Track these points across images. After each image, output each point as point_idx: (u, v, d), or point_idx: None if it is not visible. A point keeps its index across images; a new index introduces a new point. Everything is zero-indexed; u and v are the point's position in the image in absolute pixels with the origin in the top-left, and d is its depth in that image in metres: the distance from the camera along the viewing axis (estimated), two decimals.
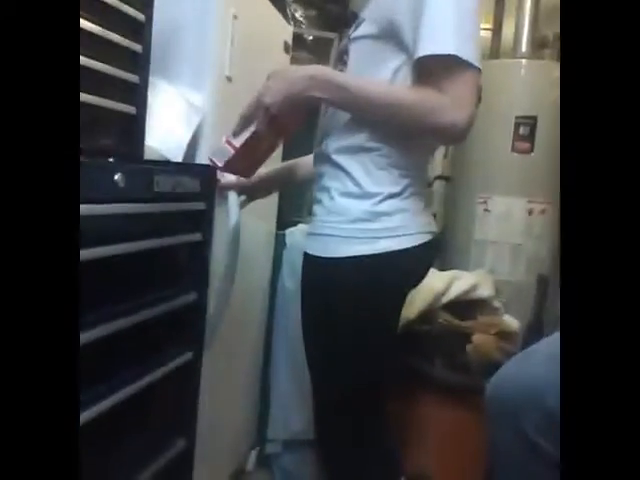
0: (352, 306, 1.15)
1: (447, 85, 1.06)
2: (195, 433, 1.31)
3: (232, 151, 1.15)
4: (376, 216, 1.14)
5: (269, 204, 2.08)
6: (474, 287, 2.38)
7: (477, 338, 2.34)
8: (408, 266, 1.19)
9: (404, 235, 1.16)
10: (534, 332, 2.45)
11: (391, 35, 1.12)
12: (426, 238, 1.20)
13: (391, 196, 1.15)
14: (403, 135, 1.15)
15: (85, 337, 0.88)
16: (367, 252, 1.13)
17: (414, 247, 1.16)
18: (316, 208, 1.22)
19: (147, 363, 1.11)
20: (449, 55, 1.05)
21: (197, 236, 1.20)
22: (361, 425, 1.25)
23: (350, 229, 1.14)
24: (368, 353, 1.20)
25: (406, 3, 1.09)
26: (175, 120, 1.34)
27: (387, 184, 1.15)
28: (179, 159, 1.31)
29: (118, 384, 1.01)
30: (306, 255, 1.21)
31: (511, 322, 2.60)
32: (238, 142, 1.14)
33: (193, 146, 1.37)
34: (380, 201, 1.14)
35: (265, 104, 1.11)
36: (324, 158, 1.22)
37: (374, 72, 1.15)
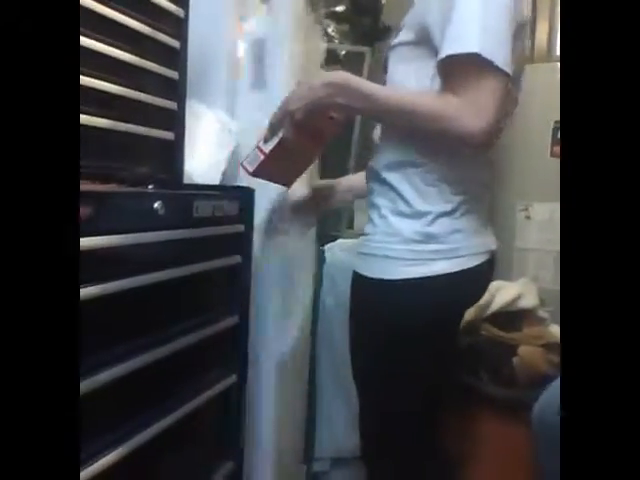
0: (406, 329, 1.11)
1: (467, 88, 1.00)
2: (242, 455, 1.30)
3: (262, 157, 1.14)
4: (429, 237, 1.10)
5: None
6: (518, 297, 2.32)
7: (523, 350, 2.28)
8: (466, 288, 1.15)
9: (460, 257, 1.11)
10: None
11: (425, 40, 1.08)
12: (484, 258, 1.15)
13: (443, 215, 1.11)
14: (448, 148, 1.10)
15: (129, 366, 0.88)
16: (421, 274, 1.09)
17: (470, 269, 1.12)
18: (367, 226, 1.19)
19: (192, 388, 1.12)
20: (471, 54, 0.99)
21: (237, 259, 1.20)
22: (410, 445, 1.23)
23: (402, 250, 1.10)
24: (423, 376, 1.17)
25: (437, 6, 1.05)
26: (212, 145, 1.36)
27: (437, 202, 1.11)
28: (216, 183, 1.32)
29: (163, 411, 1.02)
30: (356, 274, 1.17)
31: (558, 332, 2.54)
32: (267, 148, 1.14)
33: (230, 169, 1.38)
34: (432, 221, 1.10)
35: (289, 110, 1.10)
36: (374, 174, 1.18)
37: (412, 79, 1.12)
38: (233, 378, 1.23)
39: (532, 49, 3.28)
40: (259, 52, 1.54)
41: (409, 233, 1.10)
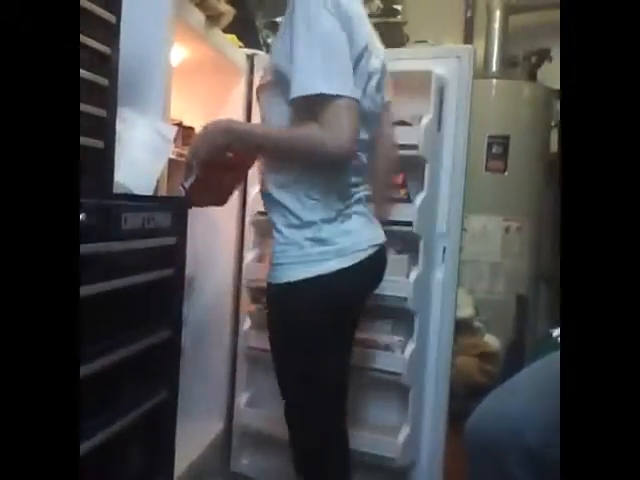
0: (310, 322, 1.28)
1: (324, 117, 1.18)
2: (173, 472, 1.27)
3: (184, 192, 1.29)
4: (318, 241, 1.27)
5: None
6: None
7: (460, 360, 2.33)
8: (357, 279, 1.32)
9: (349, 254, 1.29)
10: (515, 353, 2.45)
11: (280, 81, 1.26)
12: (372, 251, 1.33)
13: (327, 221, 1.29)
14: (321, 167, 1.30)
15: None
16: (315, 273, 1.25)
17: (359, 262, 1.30)
18: (272, 242, 1.34)
19: (121, 405, 1.08)
20: (316, 94, 1.17)
21: (169, 272, 1.17)
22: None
23: (298, 255, 1.27)
24: (331, 360, 1.34)
25: (282, 52, 1.24)
26: (145, 153, 1.32)
27: (321, 212, 1.29)
28: (149, 193, 1.28)
29: (92, 428, 0.98)
30: (268, 284, 1.32)
31: (492, 342, 2.60)
32: (187, 184, 1.29)
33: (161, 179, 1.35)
34: (319, 228, 1.28)
35: (195, 159, 1.29)
36: (266, 195, 1.36)
37: (276, 113, 1.30)
38: (164, 394, 1.19)
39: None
40: None
41: (301, 240, 1.27)
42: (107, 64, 1.18)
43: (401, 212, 1.76)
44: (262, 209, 1.91)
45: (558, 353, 1.32)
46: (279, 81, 1.27)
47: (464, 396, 2.09)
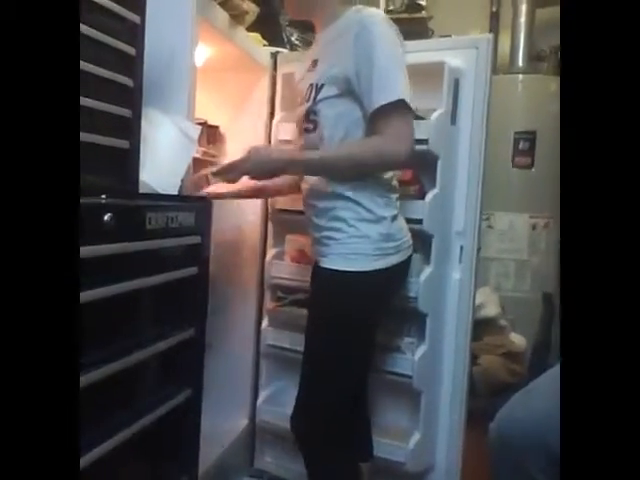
0: (372, 310, 1.48)
1: (392, 126, 1.35)
2: (197, 470, 1.28)
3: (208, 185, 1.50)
4: (388, 236, 1.44)
5: None
6: (479, 307, 2.35)
7: (484, 360, 2.30)
8: (402, 274, 1.55)
9: (404, 249, 1.49)
10: (541, 352, 2.42)
11: (349, 92, 1.40)
12: (412, 250, 1.55)
13: (394, 218, 1.47)
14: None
15: (82, 380, 0.85)
16: (384, 265, 1.43)
17: (408, 257, 1.52)
18: (333, 234, 1.45)
19: (145, 403, 1.09)
20: (398, 100, 1.34)
21: (192, 270, 1.18)
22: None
23: (371, 248, 1.41)
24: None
25: (358, 63, 1.36)
26: (170, 153, 1.33)
27: (390, 209, 1.47)
28: (174, 192, 1.29)
29: (117, 426, 0.99)
30: (329, 271, 1.44)
31: (518, 341, 2.57)
32: (213, 181, 1.48)
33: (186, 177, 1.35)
34: (389, 223, 1.45)
35: (243, 171, 1.45)
36: (330, 194, 1.46)
37: (340, 125, 1.43)
38: (188, 392, 1.20)
39: (494, 61, 3.34)
40: None
41: (375, 234, 1.43)
42: (132, 64, 1.19)
43: (411, 209, 1.72)
44: (282, 207, 1.94)
45: None
46: (346, 93, 1.40)
47: (489, 395, 2.07)
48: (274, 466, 2.07)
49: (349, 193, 1.43)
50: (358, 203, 1.43)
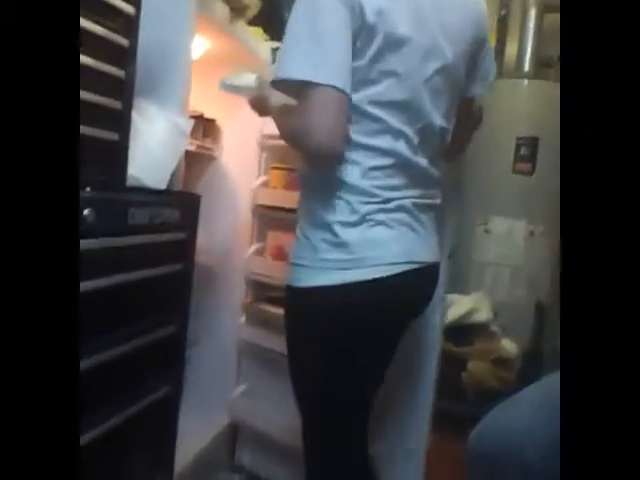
0: (324, 333, 1.15)
1: (305, 107, 1.07)
2: (173, 467, 1.27)
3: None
4: (337, 246, 1.13)
5: None
6: (471, 312, 2.34)
7: (472, 365, 2.30)
8: (381, 296, 1.15)
9: (373, 266, 1.13)
10: (532, 361, 2.41)
11: None
12: (405, 268, 1.15)
13: (348, 225, 1.13)
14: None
15: None
16: (332, 282, 1.12)
17: (387, 277, 1.13)
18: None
19: (124, 398, 1.09)
20: (297, 80, 1.07)
21: (177, 267, 1.17)
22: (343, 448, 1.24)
23: (313, 259, 1.14)
24: (337, 383, 1.19)
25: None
26: (161, 147, 1.32)
27: (346, 213, 1.13)
28: (163, 187, 1.28)
29: (97, 420, 0.99)
30: (286, 286, 1.21)
31: (509, 347, 2.56)
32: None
33: (177, 172, 1.34)
34: (338, 231, 1.13)
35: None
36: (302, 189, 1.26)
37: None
38: (167, 389, 1.20)
39: (501, 65, 3.32)
40: None
41: (317, 242, 1.14)
42: (125, 56, 1.18)
43: None
44: (264, 202, 1.92)
45: None
46: None
47: (477, 402, 2.06)
48: (253, 462, 2.06)
49: (302, 189, 1.25)
50: (305, 201, 1.21)
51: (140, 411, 1.11)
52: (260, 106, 1.40)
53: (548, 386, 1.10)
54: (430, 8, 1.16)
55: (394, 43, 1.11)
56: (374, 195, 1.14)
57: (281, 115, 1.23)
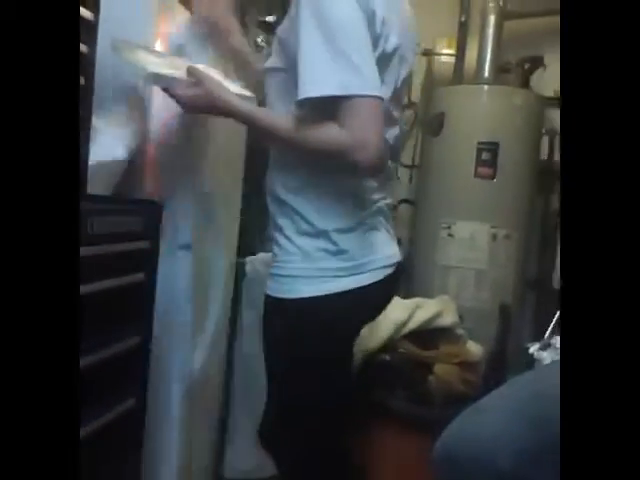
0: (318, 341, 1.15)
1: (345, 120, 1.02)
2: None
3: None
4: (335, 254, 1.13)
5: (229, 230, 2.03)
6: (436, 315, 2.34)
7: (439, 368, 2.31)
8: (372, 301, 1.21)
9: (366, 272, 1.15)
10: (497, 363, 2.44)
11: (292, 68, 1.08)
12: (388, 271, 1.20)
13: (344, 231, 1.14)
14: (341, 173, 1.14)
15: None
16: (328, 291, 1.12)
17: (376, 282, 1.17)
18: (274, 248, 1.21)
19: (89, 411, 1.06)
20: (327, 96, 1.02)
21: (139, 277, 1.15)
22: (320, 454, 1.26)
23: (309, 268, 1.13)
24: (334, 390, 1.21)
25: (293, 39, 1.07)
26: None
27: (337, 220, 1.14)
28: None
29: None
30: (268, 297, 1.20)
31: (474, 350, 2.58)
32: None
33: (135, 182, 1.31)
34: (334, 238, 1.13)
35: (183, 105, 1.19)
36: (274, 197, 1.22)
37: (282, 105, 1.15)
38: (131, 402, 1.17)
39: (461, 71, 3.37)
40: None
41: (313, 251, 1.13)
42: (84, 63, 1.16)
43: None
44: None
45: (532, 372, 1.30)
46: (290, 68, 1.09)
47: (444, 405, 2.07)
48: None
49: (285, 197, 1.17)
50: (295, 210, 1.15)
51: (103, 426, 1.09)
52: (208, 105, 1.18)
53: (512, 390, 1.10)
54: (405, 16, 1.18)
55: (388, 53, 1.12)
56: (365, 199, 1.17)
57: (282, 125, 1.11)
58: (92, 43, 1.17)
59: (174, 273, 1.39)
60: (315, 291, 1.12)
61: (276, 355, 1.22)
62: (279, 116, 1.14)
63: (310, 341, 1.15)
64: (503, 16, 3.27)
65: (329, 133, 1.05)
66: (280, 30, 1.18)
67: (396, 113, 1.23)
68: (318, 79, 1.02)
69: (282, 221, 1.18)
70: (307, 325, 1.14)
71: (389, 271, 1.20)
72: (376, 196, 1.20)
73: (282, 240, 1.17)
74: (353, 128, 1.02)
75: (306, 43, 1.02)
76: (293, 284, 1.14)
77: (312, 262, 1.13)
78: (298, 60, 1.03)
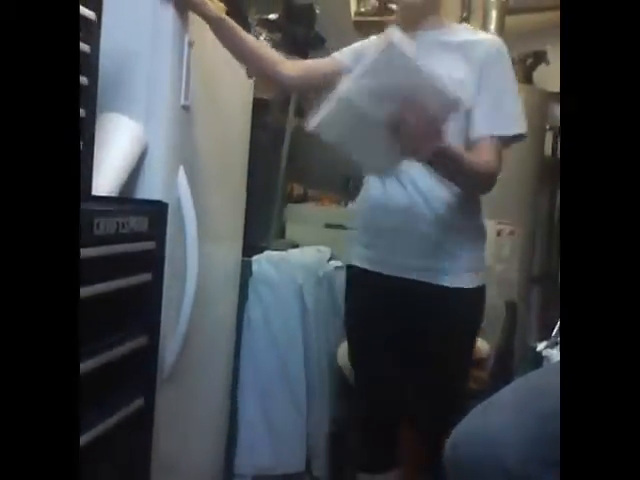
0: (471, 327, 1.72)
1: (501, 155, 1.44)
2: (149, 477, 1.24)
3: None
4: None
5: (235, 229, 2.03)
6: None
7: None
8: None
9: None
10: (503, 359, 2.42)
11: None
12: None
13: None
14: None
15: None
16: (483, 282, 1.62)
17: None
18: (452, 247, 1.53)
19: (97, 412, 1.05)
20: (517, 135, 1.46)
21: (146, 277, 1.14)
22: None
23: (478, 266, 1.60)
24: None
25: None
26: (113, 154, 1.27)
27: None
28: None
29: None
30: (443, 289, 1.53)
31: (483, 347, 2.57)
32: None
33: (140, 180, 1.31)
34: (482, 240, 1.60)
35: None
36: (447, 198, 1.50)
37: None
38: (140, 402, 1.16)
39: None
40: None
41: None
42: (86, 62, 1.15)
43: None
44: None
45: (541, 370, 1.29)
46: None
47: None
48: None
49: (455, 199, 1.49)
50: (466, 210, 1.53)
51: (114, 425, 1.08)
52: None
53: (521, 389, 1.10)
54: None
55: None
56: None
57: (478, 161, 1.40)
58: (95, 43, 1.16)
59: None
60: (481, 281, 1.63)
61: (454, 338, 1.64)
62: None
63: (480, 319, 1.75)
64: (505, 11, 3.26)
65: (480, 164, 1.39)
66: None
67: None
68: (522, 118, 1.47)
69: (451, 232, 1.52)
70: (479, 308, 1.75)
71: None
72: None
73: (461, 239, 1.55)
74: (500, 160, 1.44)
75: (509, 81, 1.53)
76: (472, 277, 1.61)
77: (477, 261, 1.63)
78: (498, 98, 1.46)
